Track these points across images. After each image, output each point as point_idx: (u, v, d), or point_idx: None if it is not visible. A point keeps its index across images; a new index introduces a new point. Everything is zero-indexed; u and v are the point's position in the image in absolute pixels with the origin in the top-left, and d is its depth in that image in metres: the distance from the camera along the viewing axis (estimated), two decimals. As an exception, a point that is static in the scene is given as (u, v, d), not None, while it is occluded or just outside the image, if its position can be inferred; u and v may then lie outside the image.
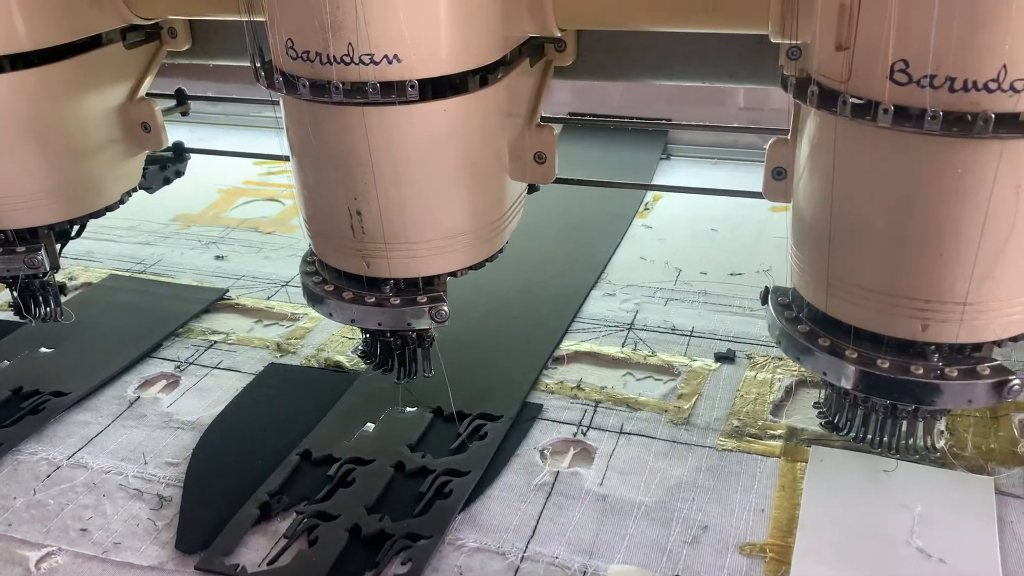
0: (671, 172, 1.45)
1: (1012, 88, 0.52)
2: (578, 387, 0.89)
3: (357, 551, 0.69)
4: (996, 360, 0.63)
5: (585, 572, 0.67)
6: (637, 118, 1.49)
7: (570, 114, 1.55)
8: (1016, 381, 0.62)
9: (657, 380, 0.90)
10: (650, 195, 1.35)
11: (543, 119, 0.83)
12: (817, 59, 0.59)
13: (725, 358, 0.92)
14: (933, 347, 0.62)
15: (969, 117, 0.52)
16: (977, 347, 0.63)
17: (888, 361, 0.63)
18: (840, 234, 0.62)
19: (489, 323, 1.00)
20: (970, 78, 0.52)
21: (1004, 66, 0.51)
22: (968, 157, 0.54)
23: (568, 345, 0.96)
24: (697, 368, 0.91)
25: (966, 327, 0.61)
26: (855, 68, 0.56)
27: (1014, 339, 0.63)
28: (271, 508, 0.74)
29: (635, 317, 1.01)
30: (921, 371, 0.62)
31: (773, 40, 0.68)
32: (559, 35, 0.76)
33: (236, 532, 0.71)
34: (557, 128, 1.55)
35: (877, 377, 0.63)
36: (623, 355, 0.94)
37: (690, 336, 0.97)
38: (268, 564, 0.68)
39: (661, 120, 1.47)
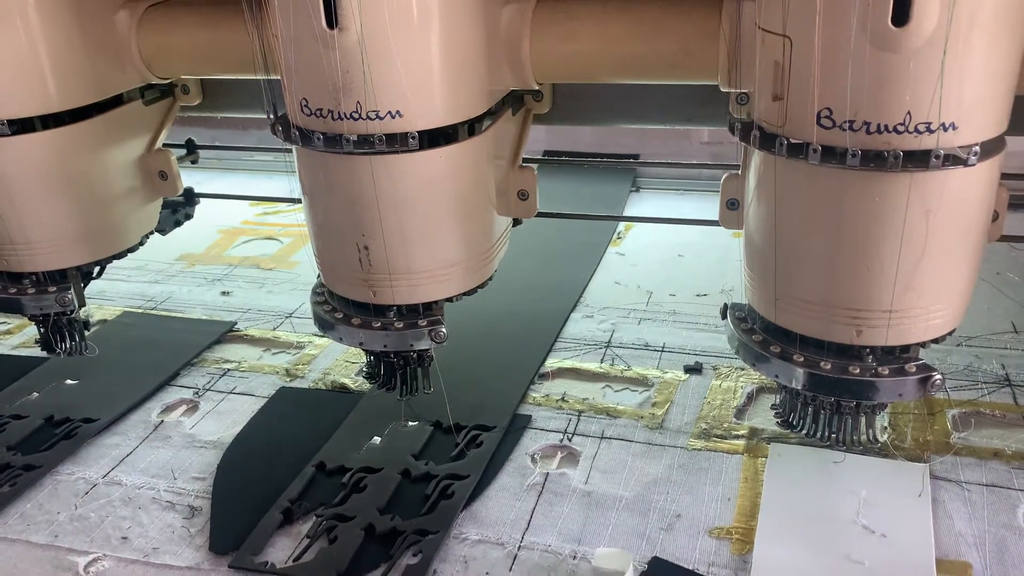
0: (641, 203, 1.56)
1: (916, 130, 0.62)
2: (562, 399, 0.98)
3: (373, 546, 0.78)
4: (921, 359, 0.73)
5: (575, 556, 0.76)
6: (608, 155, 1.60)
7: (545, 152, 1.66)
8: (938, 376, 0.72)
9: (633, 391, 1.00)
10: (622, 225, 1.45)
11: (524, 160, 0.94)
12: (758, 107, 0.70)
13: (693, 370, 1.02)
14: (867, 350, 0.72)
15: (883, 154, 0.63)
16: (905, 348, 0.73)
17: (830, 363, 0.73)
18: (784, 255, 0.72)
19: (480, 345, 1.10)
20: (882, 122, 0.62)
21: (908, 112, 0.62)
22: (884, 188, 0.65)
23: (552, 363, 1.06)
24: (668, 379, 1.01)
25: (893, 331, 0.71)
26: (789, 115, 0.66)
27: (936, 340, 0.74)
28: (293, 513, 0.82)
29: (612, 336, 1.11)
30: (858, 371, 0.72)
31: (723, 89, 0.79)
32: (537, 87, 0.86)
33: (263, 534, 0.79)
34: (535, 166, 1.67)
35: (821, 377, 0.73)
36: (602, 370, 1.04)
37: (662, 351, 1.07)
38: (294, 561, 0.77)
39: (629, 160, 1.59)
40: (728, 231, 0.84)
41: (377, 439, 0.92)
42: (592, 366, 1.05)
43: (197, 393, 1.03)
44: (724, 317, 0.82)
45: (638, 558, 0.75)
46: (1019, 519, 0.77)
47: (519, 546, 0.77)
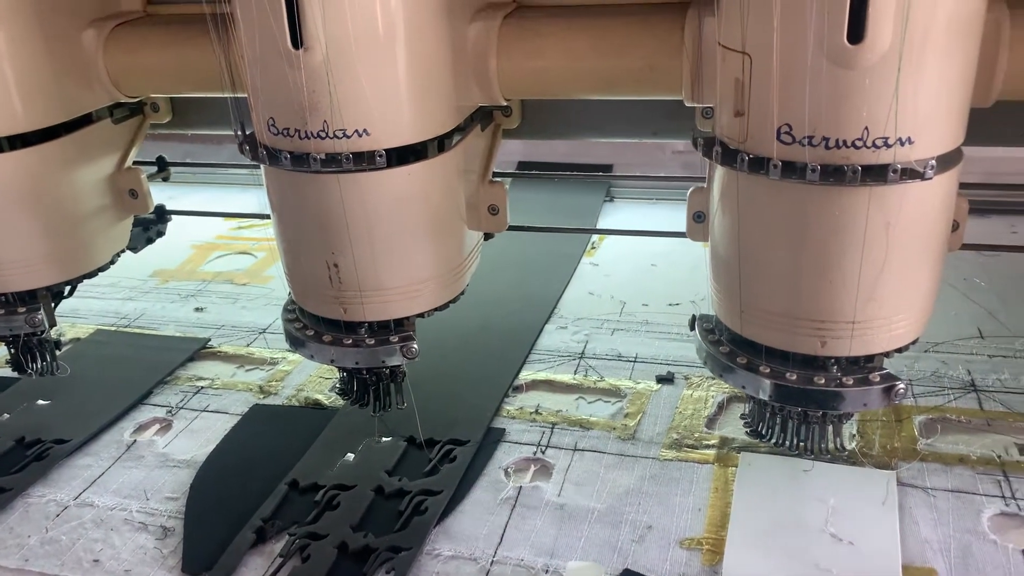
0: (615, 213, 1.57)
1: (874, 145, 0.63)
2: (536, 412, 0.99)
3: (346, 564, 0.78)
4: (885, 369, 0.74)
5: (547, 570, 0.76)
6: (581, 166, 1.61)
7: (519, 164, 1.67)
8: (901, 385, 0.73)
9: (606, 402, 1.01)
10: (596, 235, 1.46)
11: (495, 174, 0.94)
12: (720, 123, 0.71)
13: (665, 380, 1.03)
14: (832, 360, 0.73)
15: (842, 169, 0.64)
16: (869, 358, 0.74)
17: (795, 374, 0.74)
18: (748, 268, 0.73)
19: (454, 359, 1.10)
20: (840, 138, 0.63)
21: (866, 128, 0.63)
22: (844, 201, 0.66)
23: (526, 375, 1.06)
24: (641, 390, 1.01)
25: (857, 342, 0.72)
26: (750, 131, 0.67)
27: (899, 350, 0.75)
28: (266, 532, 0.82)
29: (585, 347, 1.12)
30: (823, 381, 0.73)
31: (687, 104, 0.80)
32: (505, 103, 0.87)
33: (236, 554, 0.79)
34: (508, 179, 1.68)
35: (787, 388, 0.74)
36: (575, 381, 1.04)
37: (634, 362, 1.08)
38: (268, 580, 0.77)
39: (599, 173, 1.60)
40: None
41: (351, 456, 0.93)
42: (566, 377, 1.05)
43: (170, 411, 1.03)
44: (692, 328, 0.83)
45: (610, 571, 0.75)
46: (983, 524, 0.78)
47: (492, 561, 0.78)
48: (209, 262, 1.45)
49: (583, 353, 1.11)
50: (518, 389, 1.04)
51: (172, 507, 0.87)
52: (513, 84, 0.83)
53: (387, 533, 0.81)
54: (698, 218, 0.86)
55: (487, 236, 0.97)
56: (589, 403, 1.01)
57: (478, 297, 1.25)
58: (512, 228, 0.95)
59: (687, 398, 0.99)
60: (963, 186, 1.30)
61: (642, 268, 1.34)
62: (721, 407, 0.97)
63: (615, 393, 1.02)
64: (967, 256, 1.27)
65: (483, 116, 0.89)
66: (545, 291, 1.28)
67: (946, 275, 1.22)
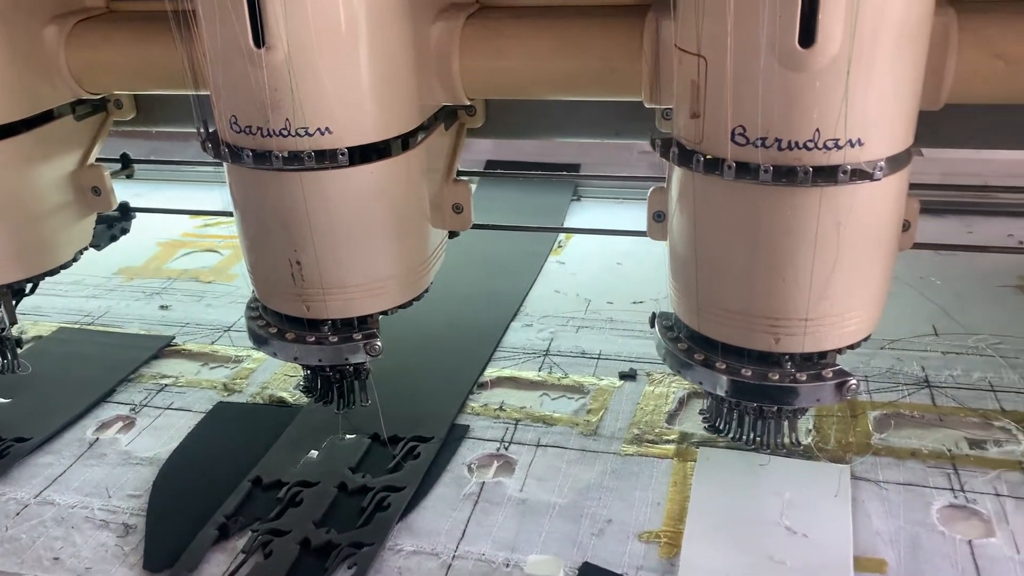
0: (582, 212, 1.58)
1: (825, 146, 0.65)
2: (500, 408, 1.00)
3: (308, 560, 0.78)
4: (838, 365, 0.76)
5: (508, 564, 0.77)
6: (549, 165, 1.62)
7: (487, 163, 1.68)
8: (853, 381, 0.75)
9: (570, 399, 1.02)
10: (563, 234, 1.48)
11: (461, 172, 0.95)
12: (677, 124, 0.72)
13: (628, 376, 1.04)
14: (786, 356, 0.75)
15: (794, 170, 0.65)
16: (823, 355, 0.76)
17: (750, 370, 0.75)
18: (704, 266, 0.74)
19: (419, 356, 1.11)
20: (792, 139, 0.65)
21: (817, 129, 0.64)
22: (796, 201, 0.67)
23: (491, 372, 1.07)
24: (604, 386, 1.03)
25: (810, 339, 0.74)
26: (705, 132, 0.68)
27: (851, 347, 0.76)
28: (229, 529, 0.82)
29: (550, 344, 1.13)
30: (777, 377, 0.75)
31: (647, 105, 0.81)
32: (469, 103, 0.87)
33: (198, 551, 0.79)
34: (476, 178, 1.68)
35: (743, 384, 0.76)
36: (540, 378, 1.05)
37: (598, 359, 1.09)
38: (229, 576, 0.77)
39: (565, 173, 1.61)
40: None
41: (314, 453, 0.93)
42: (530, 375, 1.06)
43: (134, 409, 1.03)
44: (652, 326, 0.84)
45: (569, 564, 0.76)
46: (933, 516, 0.80)
47: (453, 556, 0.78)
48: (175, 260, 1.45)
49: (548, 350, 1.12)
50: (483, 386, 1.05)
51: (134, 504, 0.87)
52: (476, 84, 0.84)
53: (350, 529, 0.81)
54: (658, 217, 0.88)
55: (452, 234, 0.98)
56: (553, 400, 1.02)
57: (445, 295, 1.26)
58: (478, 226, 0.96)
59: (649, 394, 1.00)
60: (920, 187, 1.33)
61: (608, 267, 1.35)
62: (682, 403, 0.99)
63: (578, 390, 1.03)
64: (924, 255, 1.29)
65: (447, 115, 0.90)
66: (511, 289, 1.28)
67: (902, 274, 1.26)
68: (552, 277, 1.33)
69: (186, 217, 1.60)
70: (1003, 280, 1.23)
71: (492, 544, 0.79)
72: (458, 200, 0.91)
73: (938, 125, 0.85)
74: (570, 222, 1.54)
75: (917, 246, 1.10)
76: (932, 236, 1.05)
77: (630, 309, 1.21)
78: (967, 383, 0.99)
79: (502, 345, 1.14)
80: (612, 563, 0.77)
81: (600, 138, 0.97)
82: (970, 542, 0.77)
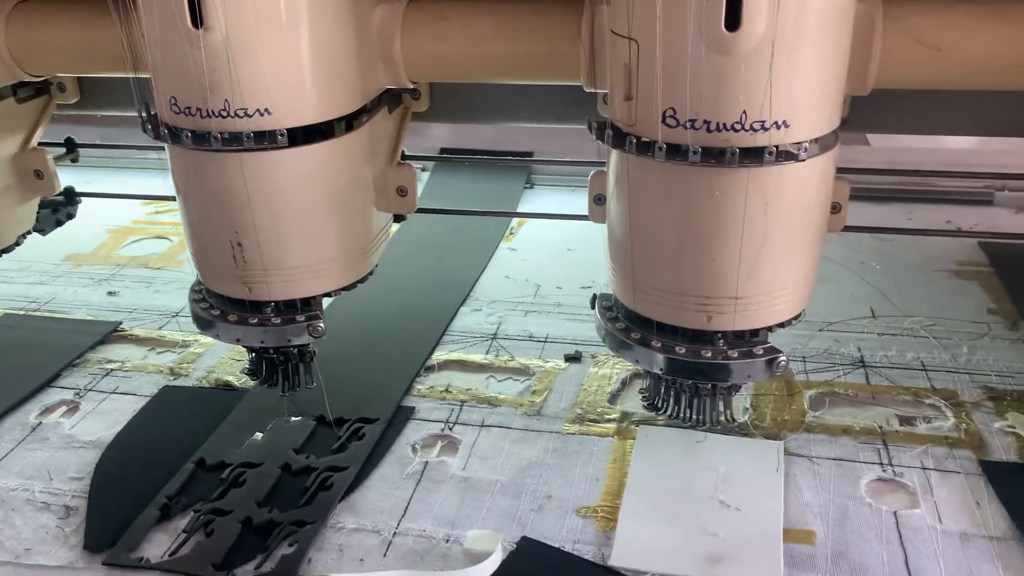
0: (534, 199, 1.59)
1: (752, 128, 0.67)
2: (446, 390, 1.01)
3: (249, 539, 0.79)
4: (768, 343, 0.78)
5: (448, 539, 0.78)
6: (503, 152, 1.63)
7: (442, 150, 1.68)
8: (782, 358, 0.77)
9: (515, 381, 1.03)
10: (515, 221, 1.49)
11: (408, 157, 0.96)
12: (612, 107, 0.74)
13: (573, 358, 1.06)
14: (719, 334, 0.77)
15: (722, 151, 0.67)
16: (755, 332, 0.78)
17: (684, 348, 0.77)
18: (639, 246, 0.76)
19: (368, 341, 1.11)
20: (720, 121, 0.66)
21: (744, 112, 0.66)
22: (724, 182, 0.69)
23: (439, 356, 1.08)
24: (549, 368, 1.04)
25: (740, 317, 0.75)
26: (638, 115, 0.70)
27: (781, 325, 0.79)
28: (171, 509, 0.83)
29: (498, 328, 1.14)
30: (710, 354, 0.76)
31: (586, 89, 0.82)
32: (412, 86, 0.88)
33: (139, 531, 0.80)
34: (430, 164, 1.69)
35: (677, 361, 0.77)
36: (487, 361, 1.07)
37: (545, 342, 1.10)
38: (170, 555, 0.77)
39: (509, 156, 1.62)
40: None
41: (259, 435, 0.93)
42: (478, 358, 1.08)
43: (78, 394, 1.02)
44: (593, 307, 0.86)
45: (508, 538, 0.78)
46: (861, 489, 0.83)
47: (394, 532, 0.79)
48: (124, 247, 1.44)
49: (496, 334, 1.13)
50: (430, 369, 1.06)
51: (76, 487, 0.87)
52: (418, 66, 0.85)
53: (292, 508, 0.82)
54: (598, 200, 0.89)
55: (398, 218, 0.98)
56: (499, 382, 1.03)
57: (395, 281, 1.28)
58: (429, 211, 0.97)
59: (593, 375, 1.02)
60: (863, 172, 1.36)
61: (558, 253, 1.37)
62: (624, 384, 1.01)
63: (524, 372, 1.04)
64: (865, 241, 1.32)
65: (391, 99, 0.91)
66: (462, 275, 1.29)
67: (843, 259, 1.29)
68: (503, 263, 1.34)
69: (137, 204, 1.59)
70: (940, 265, 1.26)
71: (433, 521, 0.81)
72: (402, 183, 0.92)
73: (869, 111, 0.88)
74: (522, 209, 1.55)
75: (856, 229, 1.12)
76: (874, 222, 1.08)
77: (578, 293, 1.23)
78: (901, 363, 1.02)
79: (451, 329, 1.15)
80: (550, 537, 0.78)
81: (543, 123, 0.99)
82: (895, 513, 0.79)
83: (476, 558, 0.74)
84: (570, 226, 1.43)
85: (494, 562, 0.74)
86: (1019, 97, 0.86)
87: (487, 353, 1.09)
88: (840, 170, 1.40)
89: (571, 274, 1.29)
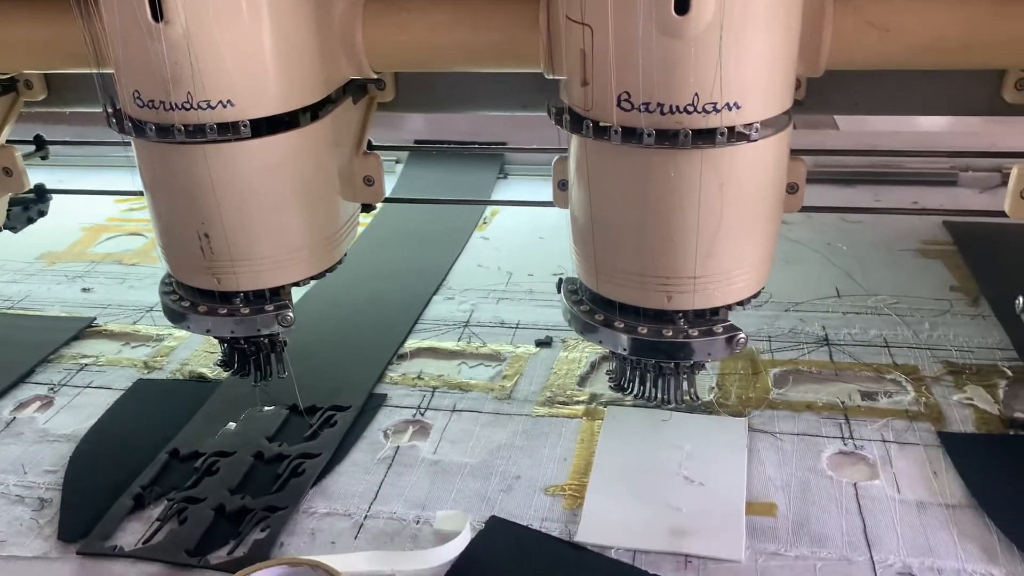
0: (508, 189, 1.61)
1: (704, 110, 0.68)
2: (418, 377, 1.02)
3: (222, 525, 0.80)
4: (728, 321, 0.80)
5: (418, 521, 0.80)
6: (474, 143, 1.64)
7: (417, 142, 1.69)
8: (742, 335, 0.78)
9: (487, 366, 1.05)
10: (489, 210, 1.50)
11: (375, 147, 0.97)
12: (570, 93, 0.75)
13: (544, 343, 1.08)
14: (680, 314, 0.78)
15: (676, 133, 0.69)
16: (715, 311, 0.80)
17: (646, 327, 0.79)
18: (600, 229, 0.77)
19: (341, 330, 1.13)
20: (673, 103, 0.68)
21: (696, 94, 0.68)
22: (679, 163, 0.70)
23: (411, 343, 1.09)
24: (520, 353, 1.06)
25: (699, 296, 0.77)
26: (594, 99, 0.71)
27: (740, 303, 0.80)
28: (144, 499, 0.84)
29: (471, 316, 1.16)
30: (671, 333, 0.78)
31: (546, 77, 0.83)
32: (376, 76, 0.89)
33: (113, 520, 0.81)
34: (404, 156, 1.69)
35: (640, 341, 0.79)
36: (458, 348, 1.08)
37: (516, 328, 1.12)
38: (144, 543, 0.78)
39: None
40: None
41: (232, 425, 0.94)
42: (450, 345, 1.09)
43: (52, 389, 1.03)
44: (559, 291, 0.87)
45: (477, 518, 0.79)
46: (823, 463, 0.84)
47: (366, 515, 0.81)
48: (98, 244, 1.44)
49: (468, 322, 1.14)
50: (403, 357, 1.07)
51: (51, 480, 0.87)
52: (380, 57, 0.85)
53: (265, 495, 0.83)
54: (562, 186, 0.90)
55: (367, 207, 0.99)
56: (471, 368, 1.05)
57: (369, 271, 1.29)
58: (402, 201, 0.98)
59: (563, 359, 1.04)
60: (828, 152, 1.37)
61: (531, 241, 1.38)
62: (593, 366, 1.02)
63: (495, 357, 1.06)
64: (832, 223, 1.35)
65: (356, 89, 0.92)
66: (435, 264, 1.31)
67: (810, 240, 1.31)
68: (476, 252, 1.36)
69: (111, 202, 1.59)
70: (905, 245, 1.28)
71: (404, 503, 0.82)
72: (369, 172, 0.93)
73: (825, 92, 0.90)
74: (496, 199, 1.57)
75: (821, 210, 1.14)
76: (841, 204, 1.10)
77: (550, 280, 1.24)
78: (864, 340, 1.04)
79: (423, 318, 1.16)
80: (519, 516, 0.80)
81: (509, 111, 1.00)
82: (855, 484, 0.81)
83: (445, 538, 0.76)
84: (542, 215, 1.45)
85: (463, 541, 0.75)
86: (971, 76, 0.88)
87: (459, 340, 1.10)
88: (807, 151, 1.42)
89: (543, 261, 1.31)
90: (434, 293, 1.22)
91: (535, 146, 1.57)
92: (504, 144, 1.66)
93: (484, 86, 0.99)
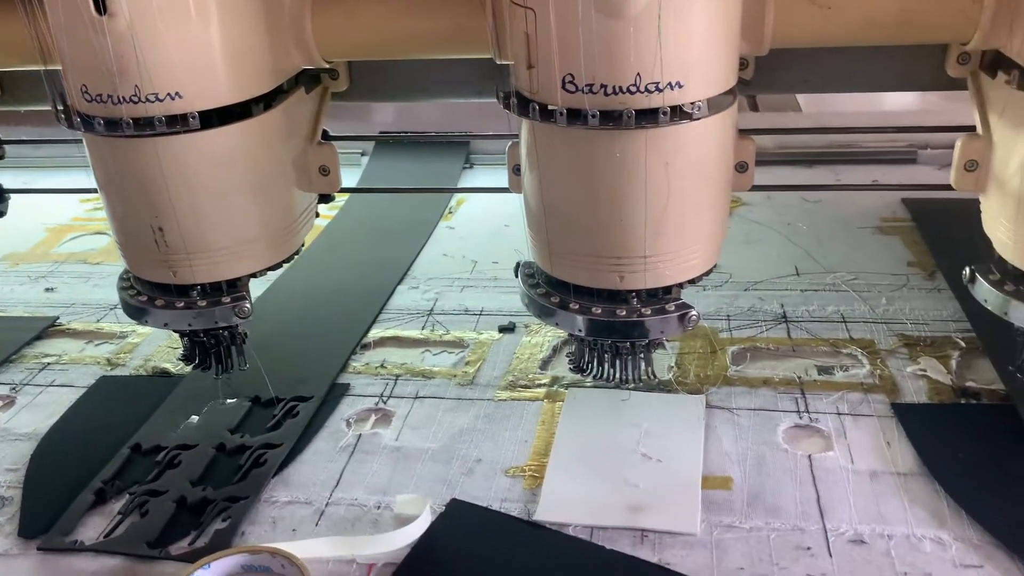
0: (474, 178, 1.61)
1: (647, 90, 0.69)
2: (381, 366, 1.03)
3: (184, 517, 0.80)
4: (680, 299, 0.81)
5: (379, 506, 0.80)
6: (437, 132, 1.64)
7: (381, 132, 1.69)
8: (693, 312, 0.79)
9: (450, 353, 1.05)
10: (454, 200, 1.51)
11: (330, 137, 0.97)
12: (517, 76, 0.75)
13: (507, 329, 1.08)
14: (633, 293, 0.79)
15: (619, 114, 0.69)
16: (667, 290, 0.81)
17: (600, 308, 0.80)
18: (551, 211, 0.78)
19: (305, 322, 1.13)
20: (616, 84, 0.68)
21: (638, 74, 0.68)
22: (624, 144, 0.71)
23: (375, 333, 1.10)
24: (483, 339, 1.06)
25: (650, 275, 0.78)
26: (540, 82, 0.72)
27: (692, 281, 0.81)
28: (106, 493, 0.84)
29: (435, 304, 1.16)
30: (624, 313, 0.79)
31: (497, 62, 0.84)
32: (327, 65, 0.89)
33: (74, 515, 0.81)
34: (369, 144, 1.69)
35: (595, 322, 0.80)
36: (422, 336, 1.09)
37: (480, 315, 1.13)
38: (104, 537, 0.79)
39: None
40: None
41: (195, 418, 0.95)
42: (413, 333, 1.09)
43: (14, 388, 1.03)
44: (516, 275, 0.88)
45: (438, 501, 0.80)
46: (779, 436, 0.86)
47: (327, 503, 0.81)
48: (63, 244, 1.43)
49: (432, 310, 1.15)
50: (367, 347, 1.07)
51: (12, 478, 0.87)
52: (330, 46, 0.86)
53: (226, 486, 0.83)
54: (517, 171, 0.91)
55: (325, 198, 0.99)
56: (434, 355, 1.05)
57: (334, 262, 1.29)
58: (365, 191, 0.98)
59: (525, 344, 1.05)
60: (789, 131, 1.38)
61: (496, 229, 1.39)
62: (555, 350, 1.03)
63: (459, 344, 1.07)
64: (792, 203, 1.36)
65: (309, 79, 0.92)
66: (400, 255, 1.31)
67: (771, 221, 1.32)
68: (441, 241, 1.36)
69: (76, 202, 1.58)
70: (865, 222, 1.30)
71: (365, 490, 0.83)
72: (324, 162, 0.93)
73: (773, 71, 0.90)
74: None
75: (781, 188, 1.15)
76: (802, 184, 1.11)
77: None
78: (821, 316, 1.05)
79: (388, 307, 1.16)
80: (479, 498, 0.80)
81: (462, 98, 1.00)
82: (810, 457, 0.83)
83: (406, 522, 0.76)
84: (507, 202, 1.45)
85: (422, 524, 0.76)
86: (917, 52, 0.89)
87: (423, 329, 1.10)
88: (768, 131, 1.43)
89: (508, 249, 1.31)
90: (399, 283, 1.23)
91: (499, 133, 1.59)
92: (469, 134, 1.67)
93: (439, 74, 0.99)
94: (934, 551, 0.71)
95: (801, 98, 1.77)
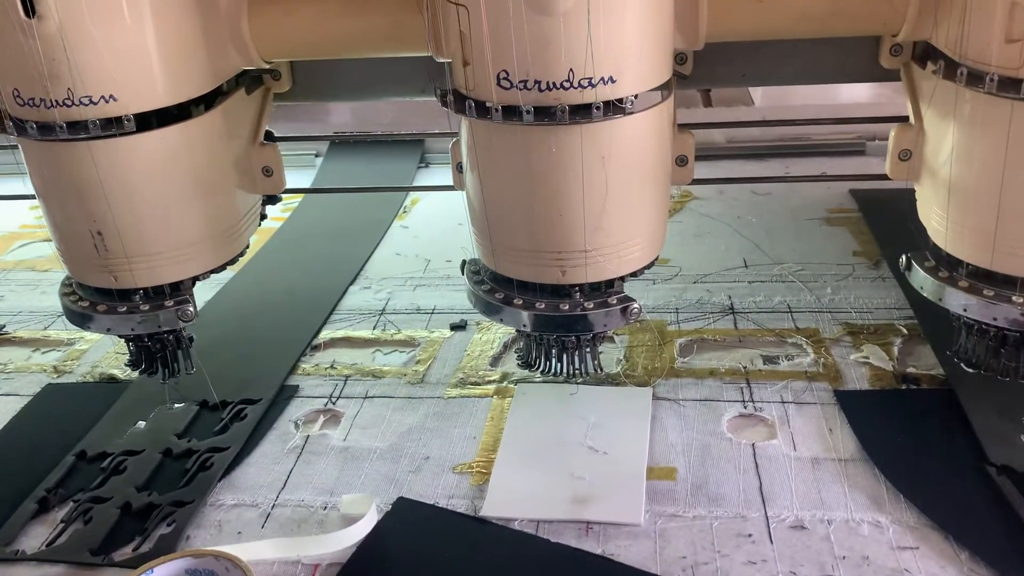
0: (429, 177, 1.61)
1: (580, 85, 0.69)
2: (331, 367, 1.02)
3: (128, 523, 0.79)
4: (623, 292, 0.81)
5: (326, 507, 0.80)
6: (391, 132, 1.64)
7: (335, 132, 1.69)
8: (635, 305, 0.80)
9: (401, 352, 1.05)
10: (409, 199, 1.50)
11: (279, 138, 0.96)
12: (454, 74, 0.76)
13: (459, 327, 1.08)
14: (576, 287, 0.80)
15: (554, 109, 0.70)
16: (610, 283, 0.81)
17: (544, 303, 0.80)
18: (492, 208, 0.78)
19: (254, 324, 1.12)
20: (549, 80, 0.69)
21: (571, 70, 0.69)
22: (559, 139, 0.72)
23: (326, 334, 1.09)
24: (434, 338, 1.06)
25: (591, 269, 0.78)
26: (475, 79, 0.72)
27: (633, 274, 0.82)
28: (49, 502, 0.82)
29: (387, 304, 1.16)
30: (567, 307, 0.80)
31: (437, 60, 0.84)
32: (267, 66, 0.89)
33: (16, 525, 0.79)
34: (323, 146, 1.68)
35: (539, 317, 0.80)
36: (373, 336, 1.08)
37: (432, 313, 1.13)
38: (47, 546, 0.78)
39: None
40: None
41: (141, 424, 0.94)
42: (364, 333, 1.09)
43: (-43, 400, 1.01)
44: (463, 272, 0.88)
45: (385, 500, 0.80)
46: (723, 426, 0.87)
47: (273, 505, 0.81)
48: (10, 252, 1.41)
49: (384, 309, 1.15)
50: (316, 348, 1.07)
51: (-47, 490, 0.86)
52: (268, 46, 0.85)
53: (172, 491, 0.83)
54: (460, 168, 0.91)
55: (271, 199, 0.99)
56: (385, 355, 1.05)
57: (285, 264, 1.29)
58: (320, 191, 0.97)
59: (476, 341, 1.05)
60: (741, 124, 1.39)
61: (449, 228, 1.39)
62: (506, 347, 1.03)
63: (410, 343, 1.06)
64: (742, 197, 1.37)
65: (251, 80, 0.91)
66: (353, 255, 1.31)
67: (720, 214, 1.34)
68: (395, 241, 1.36)
69: (25, 209, 1.56)
70: (813, 214, 1.32)
71: (312, 491, 0.82)
72: (267, 163, 0.93)
73: (712, 65, 0.91)
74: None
75: (730, 181, 1.15)
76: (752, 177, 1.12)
77: (466, 265, 1.25)
78: (768, 307, 1.07)
79: (340, 308, 1.16)
80: (426, 496, 0.81)
81: (407, 96, 1.00)
82: (753, 445, 0.84)
83: (352, 522, 0.76)
84: (462, 201, 1.45)
85: (368, 523, 0.76)
86: (852, 44, 0.90)
87: (374, 329, 1.10)
88: (717, 125, 1.44)
89: (461, 247, 1.31)
90: (351, 283, 1.22)
91: (451, 132, 1.59)
92: (423, 134, 1.67)
93: (382, 73, 0.99)
94: (872, 534, 0.72)
95: (755, 93, 1.79)
